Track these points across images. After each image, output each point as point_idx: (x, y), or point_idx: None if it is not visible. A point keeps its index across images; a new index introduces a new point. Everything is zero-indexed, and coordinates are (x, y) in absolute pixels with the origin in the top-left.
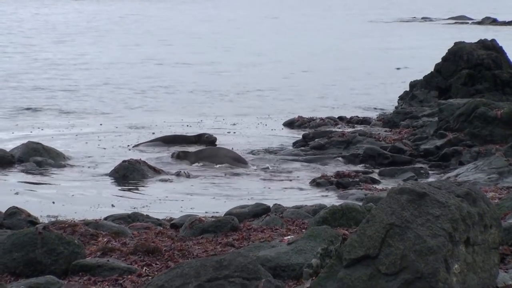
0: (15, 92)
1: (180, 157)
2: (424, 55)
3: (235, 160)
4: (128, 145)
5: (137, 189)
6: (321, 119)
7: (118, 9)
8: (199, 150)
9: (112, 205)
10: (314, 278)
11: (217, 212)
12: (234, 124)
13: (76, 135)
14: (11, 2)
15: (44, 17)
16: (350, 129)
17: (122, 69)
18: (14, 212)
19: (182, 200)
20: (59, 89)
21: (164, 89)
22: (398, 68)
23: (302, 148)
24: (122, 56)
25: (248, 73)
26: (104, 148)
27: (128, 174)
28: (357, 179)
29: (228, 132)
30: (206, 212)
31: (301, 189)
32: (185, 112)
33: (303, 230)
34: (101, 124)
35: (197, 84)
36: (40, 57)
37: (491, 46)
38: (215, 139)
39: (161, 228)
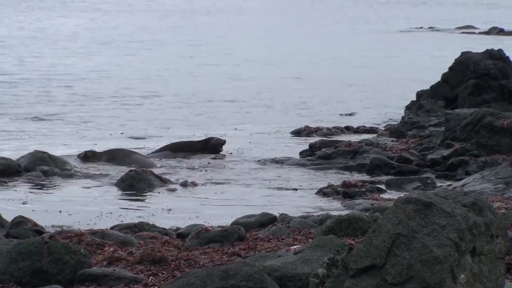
0: (27, 100)
1: (88, 157)
2: (431, 64)
3: (145, 167)
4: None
5: (144, 199)
6: (328, 128)
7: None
8: (110, 151)
9: (119, 215)
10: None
11: (230, 218)
12: (249, 135)
13: (89, 145)
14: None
15: (61, 26)
16: (357, 139)
17: (147, 80)
18: (20, 221)
19: (189, 210)
20: (73, 99)
21: (176, 99)
22: (405, 78)
23: (309, 157)
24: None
25: (256, 81)
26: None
27: (135, 184)
28: (364, 189)
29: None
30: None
31: (307, 198)
32: (196, 122)
33: (310, 240)
34: (110, 134)
35: (208, 94)
36: (56, 67)
37: (498, 56)
38: (224, 141)
39: (168, 237)
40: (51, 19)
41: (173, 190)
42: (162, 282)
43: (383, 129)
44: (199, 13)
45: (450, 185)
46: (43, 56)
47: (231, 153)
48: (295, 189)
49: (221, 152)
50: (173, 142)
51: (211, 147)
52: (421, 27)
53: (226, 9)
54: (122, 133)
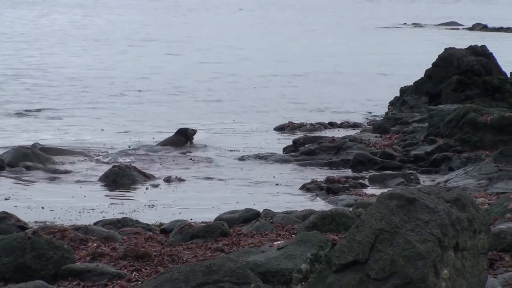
0: (12, 96)
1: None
2: (415, 60)
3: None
4: (123, 152)
5: (127, 194)
6: (312, 124)
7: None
8: (48, 148)
9: (102, 210)
10: (303, 283)
11: (214, 214)
12: (224, 128)
13: (71, 141)
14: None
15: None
16: (341, 135)
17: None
18: (3, 217)
19: (172, 205)
20: (57, 95)
21: (160, 95)
22: (389, 74)
23: (292, 153)
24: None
25: (240, 78)
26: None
27: (118, 180)
28: (347, 185)
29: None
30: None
31: (291, 194)
32: (178, 118)
33: (293, 236)
34: (91, 131)
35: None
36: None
37: (481, 52)
38: (196, 131)
39: (151, 233)
40: (41, 15)
41: (157, 185)
42: (146, 278)
43: (367, 125)
44: (191, 9)
45: (433, 180)
46: (31, 52)
47: (212, 147)
48: (277, 185)
49: (193, 142)
50: (161, 141)
51: (189, 136)
52: (405, 23)
53: (217, 6)
54: (102, 130)
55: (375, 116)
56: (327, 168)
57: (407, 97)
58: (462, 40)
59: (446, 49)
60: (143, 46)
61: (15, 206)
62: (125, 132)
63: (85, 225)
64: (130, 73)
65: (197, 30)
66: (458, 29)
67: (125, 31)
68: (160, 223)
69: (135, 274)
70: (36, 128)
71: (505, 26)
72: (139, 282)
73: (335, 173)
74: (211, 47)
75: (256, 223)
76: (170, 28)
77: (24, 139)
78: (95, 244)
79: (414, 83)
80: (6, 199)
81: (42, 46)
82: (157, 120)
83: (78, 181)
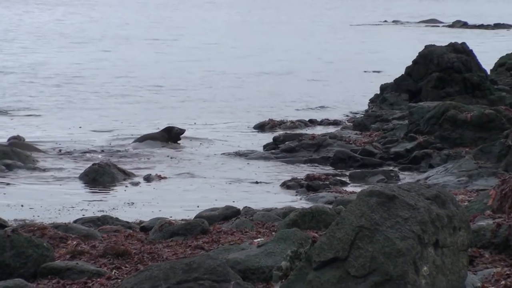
0: None
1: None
2: (395, 58)
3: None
4: (102, 150)
5: (107, 192)
6: (292, 121)
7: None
8: (23, 144)
9: (82, 208)
10: (283, 280)
11: (194, 212)
12: (204, 126)
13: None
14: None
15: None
16: (321, 132)
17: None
18: None
19: (152, 203)
20: (38, 93)
21: (150, 93)
22: (370, 71)
23: (273, 151)
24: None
25: (221, 75)
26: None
27: (98, 177)
28: (327, 182)
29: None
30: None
31: (271, 192)
32: (159, 116)
33: (273, 233)
34: (69, 128)
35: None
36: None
37: (461, 49)
38: (184, 130)
39: (131, 231)
40: (23, 13)
41: (137, 183)
42: (125, 275)
43: (347, 122)
44: (177, 7)
45: (413, 177)
46: (12, 50)
47: (192, 145)
48: (257, 182)
49: (180, 142)
50: (142, 135)
51: (174, 136)
52: (385, 21)
53: (205, 3)
54: (80, 127)
55: (355, 113)
56: (308, 165)
57: (387, 94)
58: (442, 37)
59: (426, 46)
60: (125, 44)
61: None
62: (104, 130)
63: (65, 223)
64: (111, 71)
65: (185, 27)
66: (438, 26)
67: (108, 29)
68: (140, 221)
69: (115, 272)
70: (14, 125)
71: (485, 23)
72: (119, 280)
73: (315, 171)
74: (197, 44)
75: (236, 220)
76: (154, 26)
77: (2, 137)
78: (74, 242)
79: (394, 80)
80: None
81: (23, 45)
82: (137, 118)
83: (57, 179)
